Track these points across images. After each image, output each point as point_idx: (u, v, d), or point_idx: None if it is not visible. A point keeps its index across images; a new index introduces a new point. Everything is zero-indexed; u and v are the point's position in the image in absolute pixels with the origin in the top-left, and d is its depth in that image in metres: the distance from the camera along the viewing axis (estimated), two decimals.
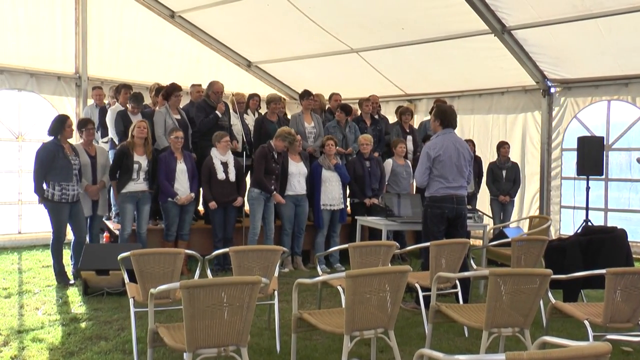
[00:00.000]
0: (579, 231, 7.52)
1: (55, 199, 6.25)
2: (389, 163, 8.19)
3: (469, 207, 6.44)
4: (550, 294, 4.34)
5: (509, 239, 5.84)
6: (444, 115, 5.73)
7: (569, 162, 9.06)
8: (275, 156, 7.26)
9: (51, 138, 6.35)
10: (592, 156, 8.20)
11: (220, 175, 7.01)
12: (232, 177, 7.08)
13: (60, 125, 6.34)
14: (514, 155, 9.31)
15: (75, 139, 7.20)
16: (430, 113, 9.15)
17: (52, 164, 6.21)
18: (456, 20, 7.95)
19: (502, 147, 9.06)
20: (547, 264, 5.70)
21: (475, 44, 8.43)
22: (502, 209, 9.06)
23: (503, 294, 3.58)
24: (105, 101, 8.45)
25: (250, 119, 8.45)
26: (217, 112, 7.50)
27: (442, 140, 5.65)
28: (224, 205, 7.06)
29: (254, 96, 8.77)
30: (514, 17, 7.65)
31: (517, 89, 9.53)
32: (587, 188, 8.40)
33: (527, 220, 8.94)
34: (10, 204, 8.83)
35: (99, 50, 9.46)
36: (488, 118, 10.00)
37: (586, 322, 3.95)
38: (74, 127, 6.79)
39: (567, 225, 9.09)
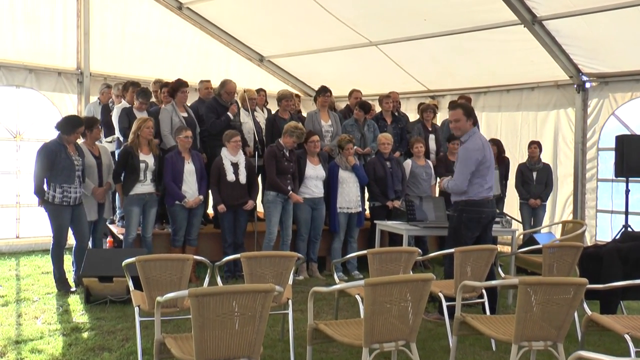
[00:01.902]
0: (617, 237, 7.43)
1: (56, 201, 6.31)
2: (407, 164, 8.17)
3: (497, 210, 6.43)
4: (585, 305, 4.31)
5: (540, 246, 5.80)
6: (472, 112, 5.77)
7: (606, 163, 8.94)
8: (287, 154, 7.27)
9: (55, 135, 6.42)
10: (632, 156, 8.11)
11: (230, 176, 7.03)
12: (243, 178, 7.10)
13: (70, 127, 6.40)
14: (546, 156, 9.23)
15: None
16: (449, 108, 9.10)
17: (54, 165, 6.28)
18: (482, 10, 7.90)
19: (532, 146, 8.98)
20: (581, 272, 5.65)
21: (503, 35, 8.37)
22: (532, 214, 8.99)
23: (534, 304, 3.56)
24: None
25: (261, 117, 8.48)
26: (229, 113, 7.54)
27: (479, 140, 5.68)
28: (234, 209, 7.09)
29: (259, 91, 8.80)
30: (546, 6, 7.57)
31: (548, 84, 9.43)
32: (627, 191, 8.31)
33: (560, 225, 8.87)
34: (7, 207, 8.92)
35: (102, 44, 9.53)
36: (517, 115, 9.91)
37: (627, 337, 3.91)
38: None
39: (603, 230, 8.98)
